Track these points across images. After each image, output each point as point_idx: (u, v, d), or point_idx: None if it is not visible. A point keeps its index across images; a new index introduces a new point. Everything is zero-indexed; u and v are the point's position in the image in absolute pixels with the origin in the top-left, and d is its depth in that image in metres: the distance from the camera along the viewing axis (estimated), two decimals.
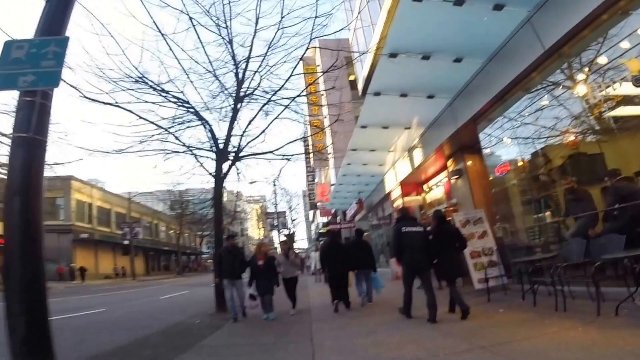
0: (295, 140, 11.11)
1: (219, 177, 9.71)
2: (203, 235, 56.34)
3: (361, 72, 21.26)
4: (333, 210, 33.57)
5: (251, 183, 34.07)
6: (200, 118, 10.01)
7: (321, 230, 40.62)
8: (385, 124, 10.31)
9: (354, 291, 8.57)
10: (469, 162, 10.29)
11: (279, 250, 11.17)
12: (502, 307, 6.04)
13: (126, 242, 37.79)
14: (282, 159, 10.74)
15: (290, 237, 51.84)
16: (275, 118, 10.73)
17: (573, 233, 5.68)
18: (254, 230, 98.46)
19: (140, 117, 9.17)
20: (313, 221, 65.23)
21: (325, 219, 39.29)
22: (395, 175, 14.42)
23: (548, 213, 6.76)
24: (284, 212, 39.80)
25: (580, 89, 6.13)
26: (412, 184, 14.45)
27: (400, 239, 5.78)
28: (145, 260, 47.39)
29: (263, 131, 10.74)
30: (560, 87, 6.55)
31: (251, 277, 7.87)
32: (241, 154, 10.57)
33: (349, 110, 14.92)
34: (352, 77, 30.93)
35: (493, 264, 7.53)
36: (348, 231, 31.44)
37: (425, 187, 14.35)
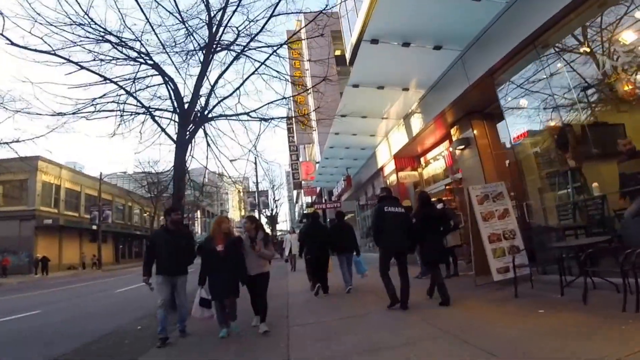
0: (275, 101, 9.39)
1: (182, 143, 8.08)
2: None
3: (354, 25, 19.48)
4: (318, 190, 32.20)
5: (232, 161, 32.51)
6: (161, 72, 8.31)
7: (305, 211, 39.30)
8: (380, 82, 8.76)
9: (335, 277, 8.27)
10: (477, 130, 8.91)
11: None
12: (539, 305, 4.74)
13: (94, 227, 35.19)
14: (260, 120, 9.09)
15: (273, 219, 50.46)
16: (252, 73, 9.06)
17: (635, 211, 4.36)
18: (236, 212, 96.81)
19: (86, 69, 7.46)
20: (297, 202, 63.93)
21: (309, 199, 37.94)
22: (388, 147, 12.97)
23: (595, 185, 5.42)
24: (266, 190, 38.14)
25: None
26: (407, 158, 13.05)
27: (382, 219, 5.51)
28: (114, 247, 44.31)
29: (237, 88, 9.11)
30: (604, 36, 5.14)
31: (203, 271, 5.14)
32: (210, 115, 8.95)
33: (335, 81, 13.35)
34: (338, 52, 29.17)
35: (516, 250, 6.21)
36: (334, 212, 30.34)
37: (422, 161, 12.97)
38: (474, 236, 6.39)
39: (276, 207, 52.30)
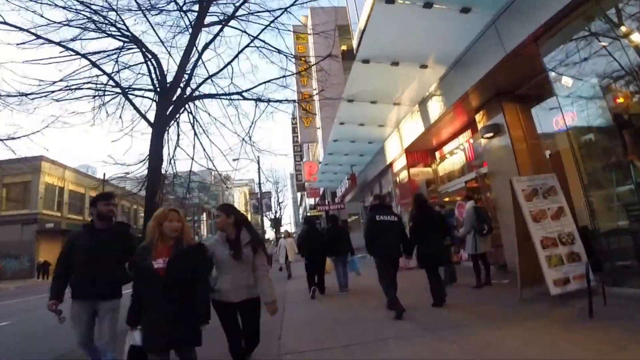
0: (274, 80, 7.87)
1: (160, 126, 6.62)
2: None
3: None
4: (321, 191, 30.74)
5: (235, 160, 31.10)
6: (141, 47, 6.88)
7: (308, 214, 37.83)
8: (394, 56, 7.30)
9: (333, 278, 8.23)
10: (509, 115, 7.40)
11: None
12: (631, 330, 3.24)
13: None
14: (256, 101, 7.61)
15: (277, 221, 48.94)
16: (248, 44, 7.56)
17: None
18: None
19: (41, 37, 6.07)
20: (301, 204, 62.41)
21: (313, 201, 36.46)
22: (399, 139, 11.46)
23: None
24: (269, 192, 36.66)
25: None
26: (420, 152, 11.53)
27: (374, 228, 5.36)
28: None
29: (229, 63, 7.60)
30: None
31: (133, 304, 2.75)
32: (196, 95, 7.52)
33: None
34: (344, 47, 27.78)
35: (575, 258, 4.70)
36: (337, 214, 28.81)
37: (437, 155, 11.45)
38: (521, 240, 4.89)
39: (280, 209, 50.75)
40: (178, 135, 7.92)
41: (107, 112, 7.27)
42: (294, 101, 9.52)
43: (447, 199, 11.24)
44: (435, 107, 8.88)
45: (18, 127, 9.12)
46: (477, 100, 7.88)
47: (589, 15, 4.85)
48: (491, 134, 7.59)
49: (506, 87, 7.24)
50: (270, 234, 55.06)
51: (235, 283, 3.13)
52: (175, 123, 7.75)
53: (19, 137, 7.48)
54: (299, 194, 56.12)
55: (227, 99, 7.67)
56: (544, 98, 7.04)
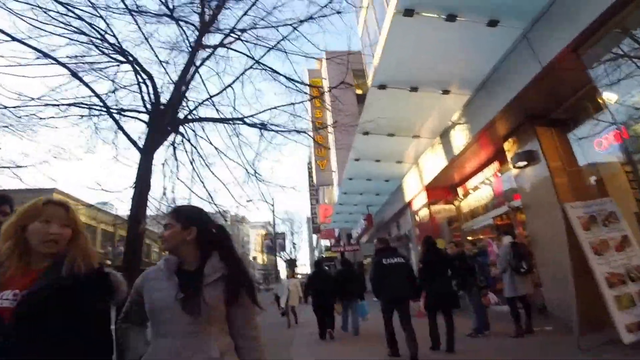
0: (280, 107, 7.31)
1: (147, 150, 5.95)
2: None
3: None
4: (337, 232, 29.70)
5: (248, 201, 30.64)
6: (137, 68, 6.32)
7: (323, 255, 36.48)
8: (413, 81, 6.75)
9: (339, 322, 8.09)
10: (544, 141, 6.61)
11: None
12: None
13: (108, 262, 33.74)
14: (260, 129, 6.99)
15: (292, 263, 47.51)
16: (251, 67, 7.02)
17: None
18: (258, 257, 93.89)
19: (19, 41, 5.44)
20: (317, 247, 60.91)
21: (328, 243, 35.29)
22: (419, 175, 10.70)
23: None
24: (283, 233, 35.71)
25: None
26: (442, 189, 10.70)
27: (381, 271, 5.22)
28: (129, 283, 42.90)
29: (231, 84, 7.01)
30: None
31: None
32: (191, 117, 6.94)
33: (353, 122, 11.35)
34: (359, 91, 27.97)
35: None
36: (352, 256, 27.43)
37: (460, 191, 10.58)
38: (578, 277, 3.93)
39: (295, 250, 49.45)
40: (177, 166, 7.27)
41: (100, 137, 6.65)
42: (303, 131, 8.82)
43: (470, 238, 10.24)
44: (459, 138, 8.18)
45: (24, 156, 8.34)
46: (506, 126, 7.16)
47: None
48: (524, 163, 6.75)
49: (539, 110, 6.52)
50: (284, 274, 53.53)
51: (180, 355, 1.46)
52: (172, 151, 7.12)
53: (25, 166, 6.97)
54: (314, 237, 54.83)
55: (226, 123, 7.07)
56: (580, 121, 6.30)
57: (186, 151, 7.22)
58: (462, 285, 6.08)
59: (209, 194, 7.21)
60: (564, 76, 5.43)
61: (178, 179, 7.28)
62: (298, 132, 8.31)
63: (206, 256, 1.66)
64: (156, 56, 6.55)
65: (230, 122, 7.46)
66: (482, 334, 5.96)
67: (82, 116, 6.42)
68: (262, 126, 7.06)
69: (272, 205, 27.15)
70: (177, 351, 1.46)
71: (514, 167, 7.09)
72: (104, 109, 6.13)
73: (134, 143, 6.14)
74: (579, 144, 6.34)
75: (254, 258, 78.99)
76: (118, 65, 6.51)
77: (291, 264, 46.52)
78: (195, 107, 6.91)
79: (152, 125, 6.10)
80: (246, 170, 7.65)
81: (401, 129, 8.90)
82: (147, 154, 5.92)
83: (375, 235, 17.93)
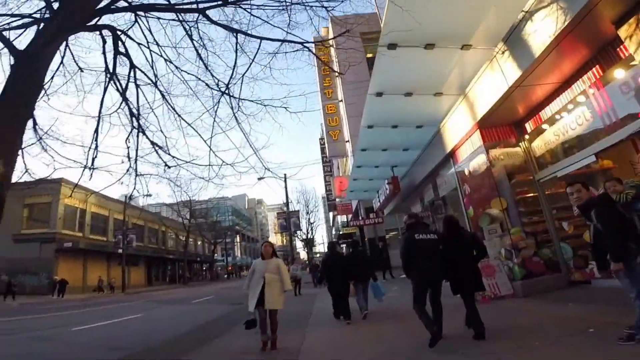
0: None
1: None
2: (216, 242, 50.48)
3: None
4: (354, 205, 26.68)
5: (259, 179, 27.79)
6: None
7: (341, 232, 33.64)
8: None
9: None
10: None
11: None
12: None
13: (120, 250, 31.93)
14: (230, 30, 3.95)
15: (309, 242, 44.96)
16: None
17: None
18: (276, 237, 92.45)
19: None
20: (333, 225, 58.24)
21: (345, 218, 32.33)
22: (468, 110, 7.41)
23: None
24: (297, 211, 32.86)
25: None
26: (500, 127, 7.43)
27: (413, 248, 4.67)
28: (147, 270, 41.56)
29: None
30: None
31: None
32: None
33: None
34: (370, 55, 24.49)
35: None
36: (371, 230, 24.29)
37: (528, 127, 7.23)
38: None
39: (312, 230, 46.81)
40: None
41: None
42: (303, 43, 5.42)
43: (548, 192, 7.04)
44: (535, 38, 4.93)
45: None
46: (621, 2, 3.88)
47: None
48: None
49: None
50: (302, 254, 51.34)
51: None
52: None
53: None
54: (330, 215, 51.97)
55: (176, 12, 4.06)
56: None
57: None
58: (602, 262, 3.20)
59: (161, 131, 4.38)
60: None
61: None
62: (294, 42, 5.19)
63: None
64: None
65: (181, 14, 4.44)
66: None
67: None
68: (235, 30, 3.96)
69: (284, 179, 24.22)
70: None
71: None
72: None
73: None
74: None
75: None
76: None
77: (308, 243, 44.03)
78: None
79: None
80: (222, 92, 4.74)
81: (444, 37, 5.69)
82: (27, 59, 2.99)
83: (401, 204, 14.77)
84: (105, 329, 9.32)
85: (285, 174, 26.82)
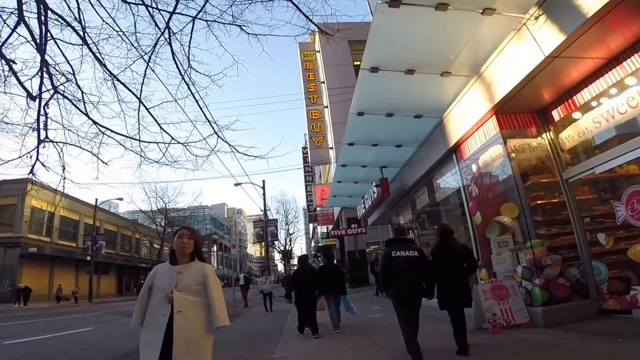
0: None
1: None
2: None
3: None
4: (336, 214, 25.21)
5: (236, 185, 26.10)
6: None
7: (320, 244, 32.02)
8: None
9: (326, 315, 7.35)
10: None
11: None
12: None
13: (88, 257, 29.31)
14: None
15: (286, 254, 42.99)
16: None
17: None
18: (254, 248, 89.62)
19: None
20: (313, 237, 56.38)
21: (325, 229, 30.75)
22: (484, 89, 6.07)
23: None
24: (275, 219, 31.08)
25: None
26: (522, 114, 6.14)
27: (389, 265, 4.44)
28: (118, 279, 38.69)
29: None
30: None
31: None
32: None
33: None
34: (357, 62, 23.50)
35: None
36: (352, 240, 22.74)
37: (556, 114, 5.93)
38: None
39: (291, 241, 44.83)
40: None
41: None
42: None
43: (580, 197, 5.70)
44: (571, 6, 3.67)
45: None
46: None
47: None
48: None
49: None
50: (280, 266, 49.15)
51: None
52: None
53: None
54: (311, 226, 50.18)
55: None
56: None
57: None
58: None
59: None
60: None
61: None
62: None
63: None
64: None
65: None
66: None
67: None
68: None
69: (263, 187, 22.56)
70: None
71: None
72: None
73: None
74: None
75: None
76: None
77: (286, 256, 42.14)
78: None
79: None
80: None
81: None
82: None
83: (388, 213, 13.36)
84: (40, 344, 8.11)
85: (263, 180, 25.12)
